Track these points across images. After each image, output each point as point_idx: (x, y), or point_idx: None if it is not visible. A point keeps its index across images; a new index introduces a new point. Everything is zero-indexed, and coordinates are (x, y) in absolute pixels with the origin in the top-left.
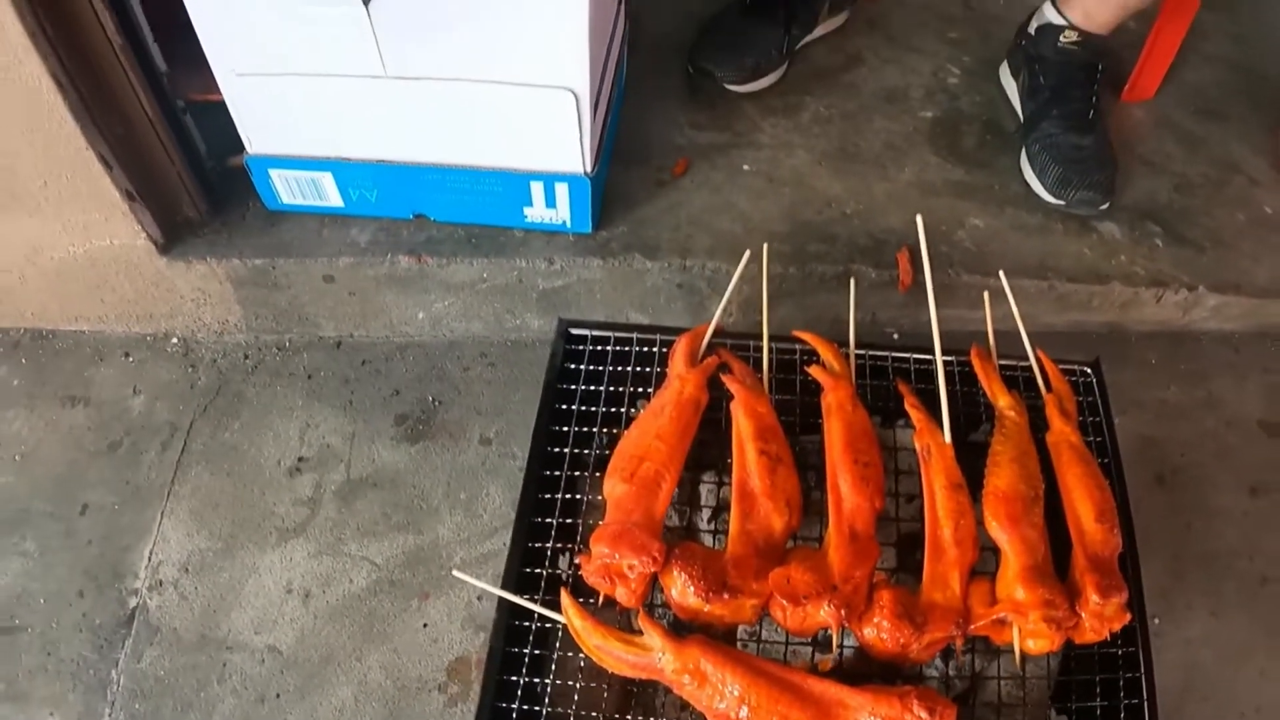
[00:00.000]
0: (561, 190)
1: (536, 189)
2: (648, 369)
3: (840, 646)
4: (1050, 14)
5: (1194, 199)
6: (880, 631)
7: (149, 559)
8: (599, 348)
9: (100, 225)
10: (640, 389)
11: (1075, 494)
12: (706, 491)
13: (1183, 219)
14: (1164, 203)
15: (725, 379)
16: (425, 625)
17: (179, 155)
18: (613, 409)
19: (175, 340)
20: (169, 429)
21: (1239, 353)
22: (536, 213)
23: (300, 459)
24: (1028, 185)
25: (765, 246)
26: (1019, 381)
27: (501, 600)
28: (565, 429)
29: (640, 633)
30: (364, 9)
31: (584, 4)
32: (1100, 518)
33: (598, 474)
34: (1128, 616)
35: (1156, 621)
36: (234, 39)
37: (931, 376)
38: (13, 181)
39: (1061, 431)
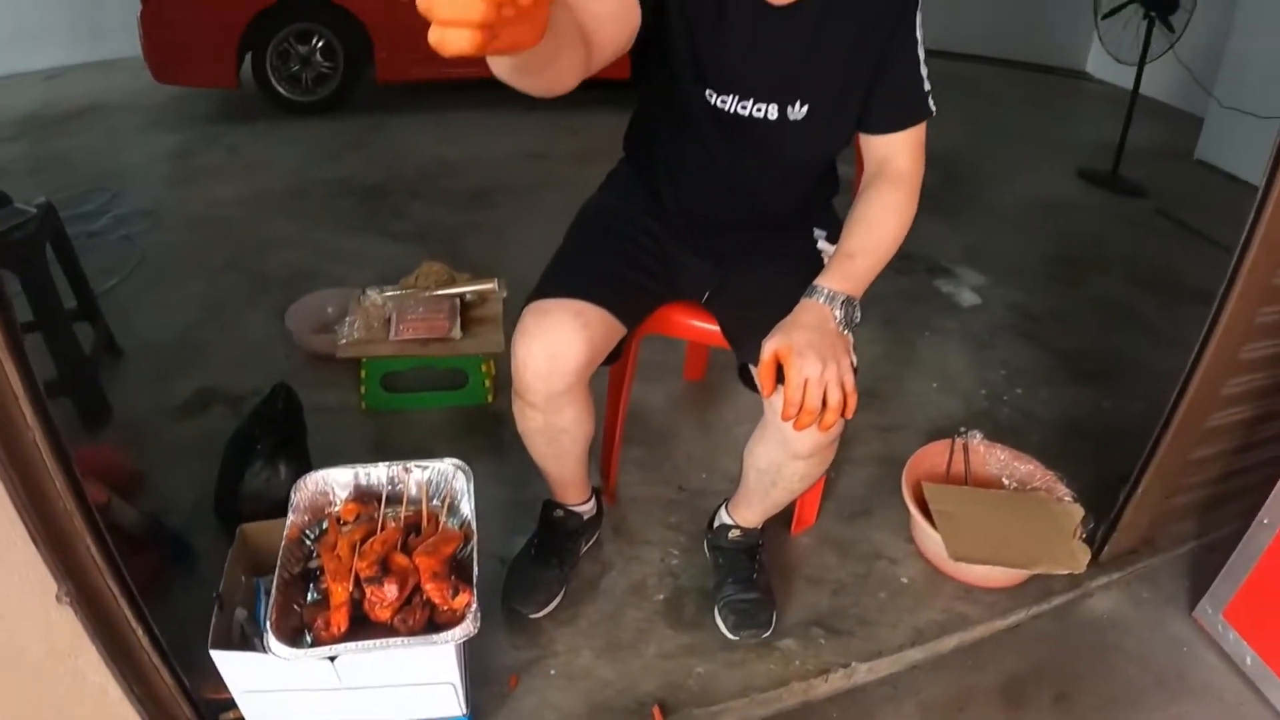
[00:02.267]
0: None
1: None
2: None
3: None
4: (723, 516)
5: (847, 596)
6: None
7: None
8: None
9: None
10: None
11: None
12: None
13: (838, 616)
14: (825, 609)
15: None
16: None
17: None
18: None
19: None
20: None
21: (896, 688)
22: None
23: None
24: (721, 631)
25: None
26: None
27: None
28: None
29: None
30: (331, 664)
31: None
32: None
33: None
34: None
35: None
36: (246, 674)
37: None
38: None
39: None
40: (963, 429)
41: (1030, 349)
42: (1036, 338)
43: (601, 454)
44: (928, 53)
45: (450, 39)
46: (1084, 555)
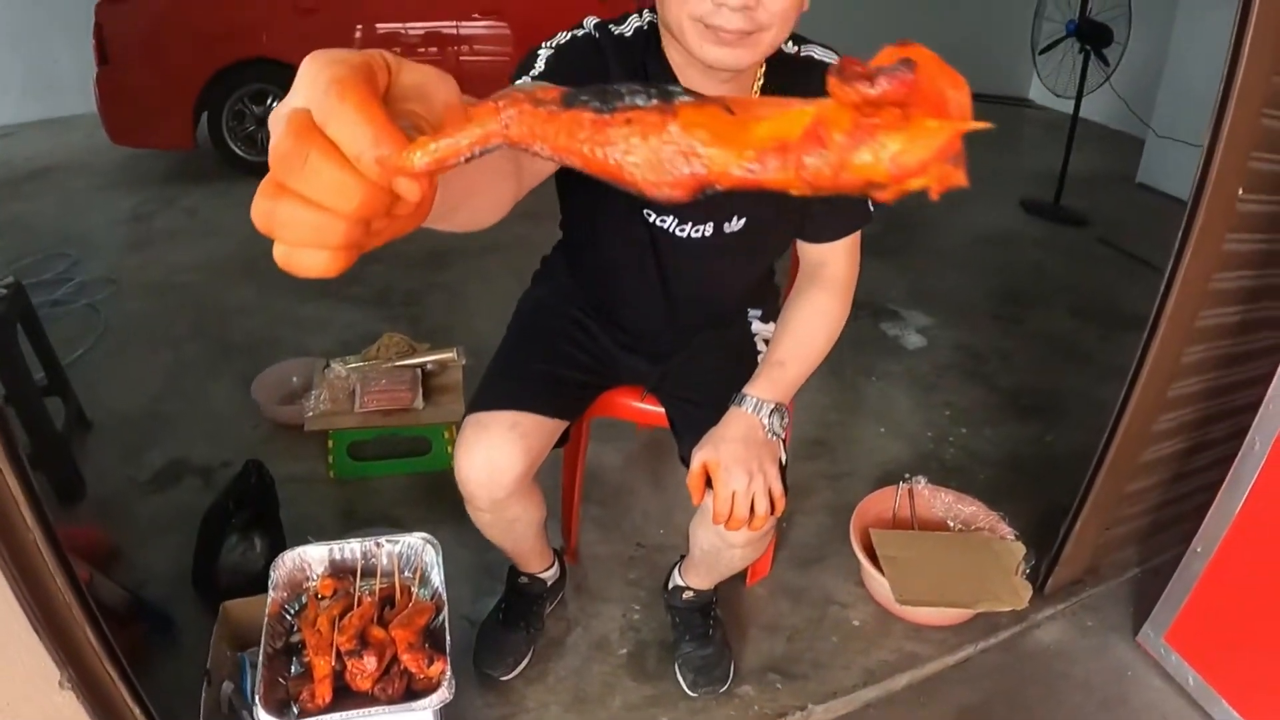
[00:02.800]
0: None
1: None
2: None
3: None
4: (676, 578)
5: (801, 642)
6: None
7: None
8: None
9: None
10: None
11: None
12: None
13: (793, 661)
14: (780, 655)
15: None
16: None
17: None
18: None
19: None
20: None
21: None
22: None
23: None
24: (682, 687)
25: None
26: None
27: None
28: None
29: None
30: None
31: None
32: None
33: None
34: None
35: None
36: None
37: None
38: None
39: None
40: (908, 475)
41: (975, 388)
42: (981, 376)
43: (561, 516)
44: None
45: (302, 263)
46: (1026, 592)
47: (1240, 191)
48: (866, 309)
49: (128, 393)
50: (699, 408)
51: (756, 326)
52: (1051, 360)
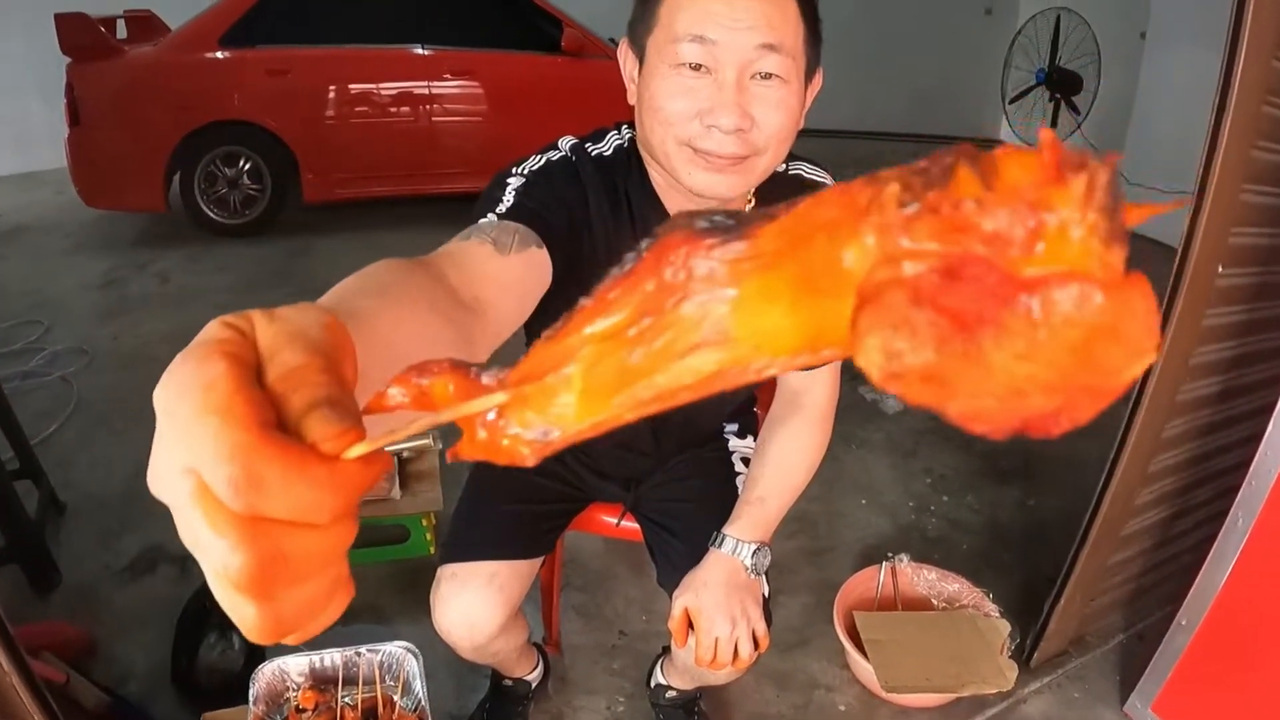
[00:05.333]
0: None
1: None
2: None
3: None
4: (659, 675)
5: None
6: None
7: None
8: None
9: None
10: None
11: None
12: None
13: None
14: None
15: None
16: None
17: None
18: None
19: None
20: None
21: None
22: None
23: None
24: None
25: None
26: None
27: None
28: None
29: None
30: None
31: None
32: None
33: None
34: None
35: None
36: None
37: None
38: None
39: None
40: (890, 554)
41: (954, 452)
42: (960, 439)
43: (542, 606)
44: (848, 134)
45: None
46: (1012, 672)
47: (1220, 268)
48: (845, 373)
49: (101, 473)
50: (676, 539)
51: (734, 444)
52: None
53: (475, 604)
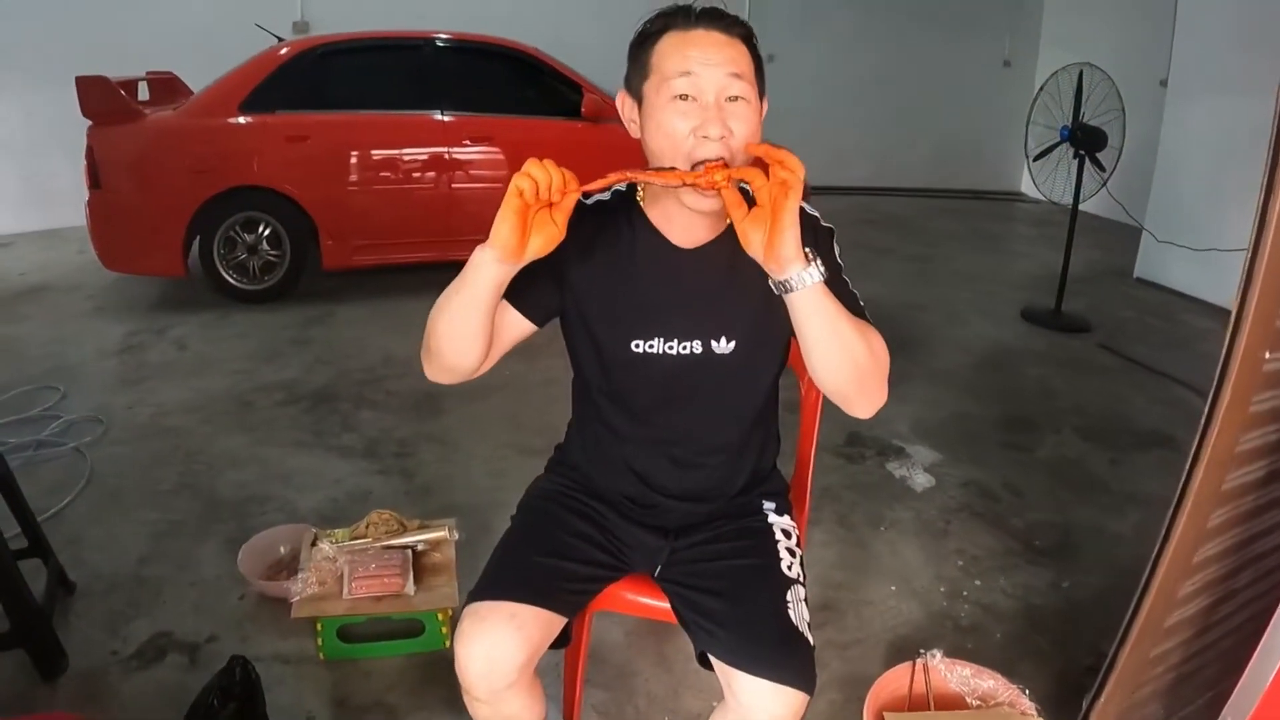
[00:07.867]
0: None
1: None
2: None
3: None
4: None
5: None
6: None
7: None
8: None
9: None
10: None
11: None
12: None
13: None
14: None
15: None
16: None
17: None
18: None
19: None
20: None
21: None
22: None
23: None
24: None
25: None
26: None
27: None
28: None
29: None
30: None
31: None
32: None
33: None
34: None
35: None
36: None
37: None
38: None
39: None
40: (922, 650)
41: (986, 531)
42: (991, 517)
43: (564, 704)
44: (873, 190)
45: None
46: None
47: (1266, 354)
48: (872, 447)
49: (112, 554)
50: (714, 597)
51: (773, 519)
52: (1062, 492)
53: (495, 641)
